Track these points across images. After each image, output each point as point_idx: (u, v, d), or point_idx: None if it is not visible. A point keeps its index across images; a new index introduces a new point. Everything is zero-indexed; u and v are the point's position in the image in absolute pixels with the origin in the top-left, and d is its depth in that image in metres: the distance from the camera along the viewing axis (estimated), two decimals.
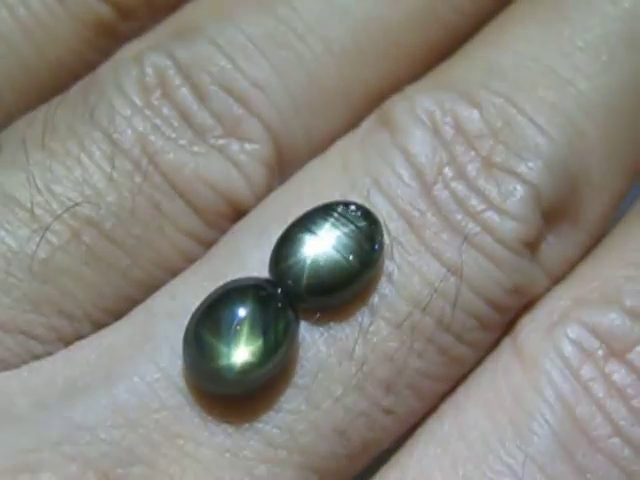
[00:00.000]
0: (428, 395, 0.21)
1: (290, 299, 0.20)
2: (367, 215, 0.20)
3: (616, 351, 0.21)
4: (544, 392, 0.20)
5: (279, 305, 0.20)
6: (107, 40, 0.23)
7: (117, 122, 0.21)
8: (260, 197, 0.22)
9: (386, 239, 0.21)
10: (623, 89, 0.23)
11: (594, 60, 0.23)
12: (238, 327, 0.19)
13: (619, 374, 0.21)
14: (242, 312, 0.19)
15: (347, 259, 0.20)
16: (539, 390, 0.21)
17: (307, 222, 0.20)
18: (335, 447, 0.20)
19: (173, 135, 0.21)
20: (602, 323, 0.21)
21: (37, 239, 0.20)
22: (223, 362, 0.19)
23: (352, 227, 0.20)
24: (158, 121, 0.21)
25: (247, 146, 0.22)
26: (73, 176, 0.21)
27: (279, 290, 0.20)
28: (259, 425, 0.20)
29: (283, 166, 0.22)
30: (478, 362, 0.22)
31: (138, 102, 0.22)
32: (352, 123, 0.23)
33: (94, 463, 0.19)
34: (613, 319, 0.21)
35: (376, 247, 0.20)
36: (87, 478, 0.19)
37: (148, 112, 0.22)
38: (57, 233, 0.21)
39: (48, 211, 0.21)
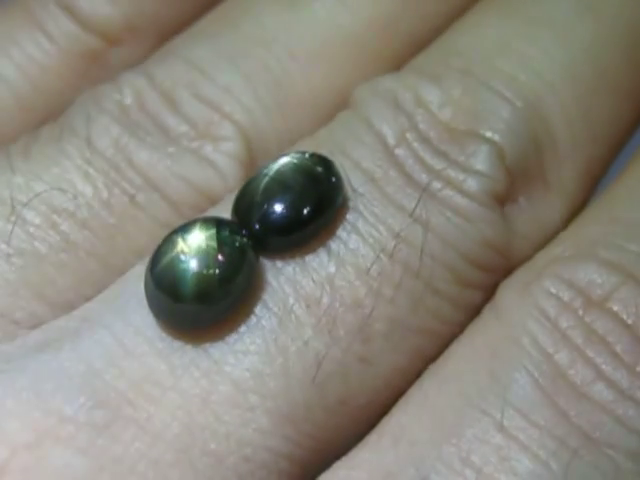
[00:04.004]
0: (406, 348, 0.20)
1: (251, 238, 0.20)
2: (321, 159, 0.21)
3: (595, 301, 0.20)
4: (521, 342, 0.20)
5: (238, 239, 0.20)
6: (99, 69, 0.25)
7: (94, 128, 0.22)
8: (234, 190, 0.22)
9: (348, 190, 0.21)
10: (581, 57, 0.23)
11: (548, 31, 0.23)
12: (197, 246, 0.19)
13: (600, 322, 0.20)
14: (202, 236, 0.20)
15: (305, 198, 0.20)
16: (516, 341, 0.20)
17: (264, 169, 0.21)
18: (308, 395, 0.20)
19: (148, 139, 0.22)
20: (578, 275, 0.20)
21: (15, 228, 0.21)
22: (180, 269, 0.19)
23: (308, 170, 0.20)
24: (134, 128, 0.23)
25: (219, 145, 0.23)
26: (51, 174, 0.22)
27: (242, 231, 0.20)
28: (226, 369, 0.19)
29: (256, 162, 0.23)
30: (465, 324, 0.21)
31: (115, 112, 0.23)
32: (323, 123, 0.23)
33: (56, 409, 0.19)
34: (589, 271, 0.20)
35: (333, 184, 0.20)
36: (50, 423, 0.19)
37: (124, 120, 0.23)
38: (35, 223, 0.21)
39: (26, 205, 0.22)
